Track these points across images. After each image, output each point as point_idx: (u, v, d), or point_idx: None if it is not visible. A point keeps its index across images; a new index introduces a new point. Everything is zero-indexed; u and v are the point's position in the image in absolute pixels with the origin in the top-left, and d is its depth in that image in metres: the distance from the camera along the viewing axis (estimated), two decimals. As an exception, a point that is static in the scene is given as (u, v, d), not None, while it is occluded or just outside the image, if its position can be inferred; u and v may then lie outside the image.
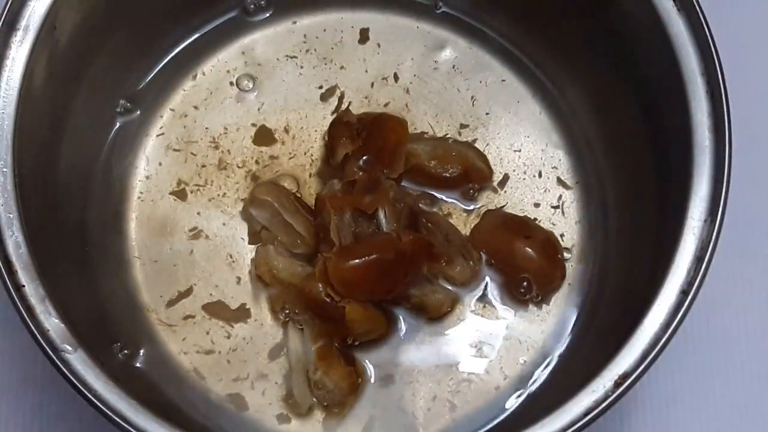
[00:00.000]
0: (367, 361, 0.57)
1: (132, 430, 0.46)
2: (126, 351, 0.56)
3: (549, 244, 0.58)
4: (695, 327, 0.61)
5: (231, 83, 0.62)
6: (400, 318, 0.57)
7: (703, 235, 0.49)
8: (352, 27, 0.63)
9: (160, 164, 0.60)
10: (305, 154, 0.60)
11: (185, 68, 0.62)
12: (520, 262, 0.57)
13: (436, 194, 0.60)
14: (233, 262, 0.59)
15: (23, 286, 0.48)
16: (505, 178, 0.60)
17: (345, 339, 0.56)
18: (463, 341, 0.57)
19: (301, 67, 0.62)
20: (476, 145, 0.61)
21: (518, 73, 0.62)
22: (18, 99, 0.50)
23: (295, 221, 0.57)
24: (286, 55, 0.62)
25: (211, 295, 0.58)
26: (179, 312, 0.58)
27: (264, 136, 0.61)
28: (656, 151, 0.54)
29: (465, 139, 0.61)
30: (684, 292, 0.48)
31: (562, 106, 0.61)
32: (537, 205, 0.60)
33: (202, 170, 0.60)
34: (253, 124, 0.61)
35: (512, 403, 0.56)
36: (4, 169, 0.49)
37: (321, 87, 0.62)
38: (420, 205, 0.58)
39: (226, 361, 0.57)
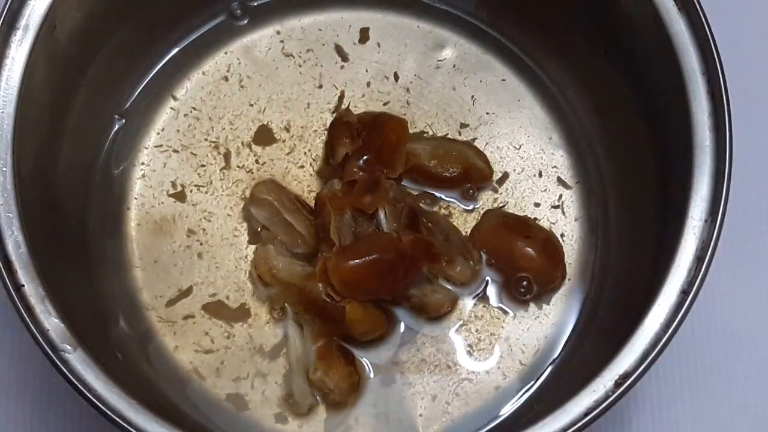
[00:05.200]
0: (367, 360, 0.57)
1: (132, 429, 0.46)
2: (126, 350, 0.56)
3: (549, 243, 0.58)
4: (695, 327, 0.61)
5: (231, 83, 0.62)
6: (400, 318, 0.57)
7: (703, 235, 0.49)
8: (352, 26, 0.63)
9: (159, 164, 0.60)
10: (305, 153, 0.60)
11: (185, 68, 0.62)
12: (521, 261, 0.57)
13: (436, 194, 0.59)
14: (233, 261, 0.59)
15: (23, 285, 0.48)
16: (505, 177, 0.60)
17: (345, 339, 0.56)
18: (463, 341, 0.57)
19: (301, 67, 0.62)
20: (476, 144, 0.61)
21: (518, 72, 0.62)
22: (18, 98, 0.50)
23: (295, 220, 0.57)
24: (286, 55, 0.62)
25: (211, 295, 0.58)
26: (179, 312, 0.58)
27: (264, 135, 0.61)
28: (657, 151, 0.54)
29: (465, 139, 0.61)
30: (684, 292, 0.48)
31: (563, 105, 0.61)
32: (537, 204, 0.60)
33: (201, 170, 0.60)
34: (253, 124, 0.61)
35: (512, 403, 0.56)
36: (4, 169, 0.49)
37: (321, 86, 0.62)
38: (420, 204, 0.58)
39: (226, 361, 0.57)
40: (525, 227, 0.58)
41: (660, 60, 0.52)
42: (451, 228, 0.58)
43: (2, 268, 0.48)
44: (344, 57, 0.62)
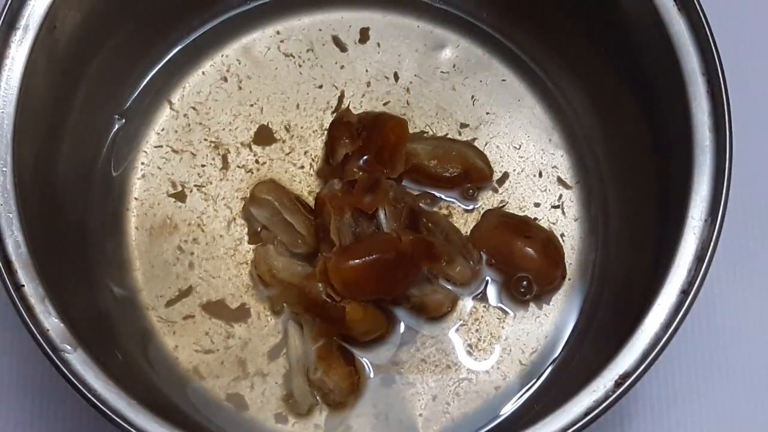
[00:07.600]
0: (367, 360, 0.57)
1: (132, 429, 0.46)
2: (125, 351, 0.56)
3: (549, 243, 0.58)
4: (695, 327, 0.61)
5: (230, 83, 0.62)
6: (400, 318, 0.57)
7: (703, 235, 0.49)
8: (352, 26, 0.63)
9: (159, 164, 0.60)
10: (305, 153, 0.60)
11: (185, 68, 0.62)
12: (521, 261, 0.57)
13: (436, 194, 0.59)
14: (233, 262, 0.58)
15: (23, 285, 0.48)
16: (506, 177, 0.60)
17: (345, 339, 0.56)
18: (463, 341, 0.57)
19: (301, 66, 0.62)
20: (476, 144, 0.61)
21: (518, 72, 0.62)
22: (18, 98, 0.50)
23: (295, 220, 0.57)
24: (286, 55, 0.62)
25: (210, 295, 0.58)
26: (179, 312, 0.58)
27: (264, 135, 0.61)
28: (657, 151, 0.54)
29: (465, 139, 0.61)
30: (684, 292, 0.48)
31: (563, 105, 0.61)
32: (537, 204, 0.60)
33: (201, 170, 0.60)
34: (253, 124, 0.61)
35: (512, 403, 0.56)
36: (4, 169, 0.49)
37: (321, 86, 0.62)
38: (420, 204, 0.58)
39: (226, 361, 0.57)
40: (525, 227, 0.58)
41: (660, 60, 0.52)
42: (451, 228, 0.58)
43: (2, 268, 0.48)
44: (344, 57, 0.62)
